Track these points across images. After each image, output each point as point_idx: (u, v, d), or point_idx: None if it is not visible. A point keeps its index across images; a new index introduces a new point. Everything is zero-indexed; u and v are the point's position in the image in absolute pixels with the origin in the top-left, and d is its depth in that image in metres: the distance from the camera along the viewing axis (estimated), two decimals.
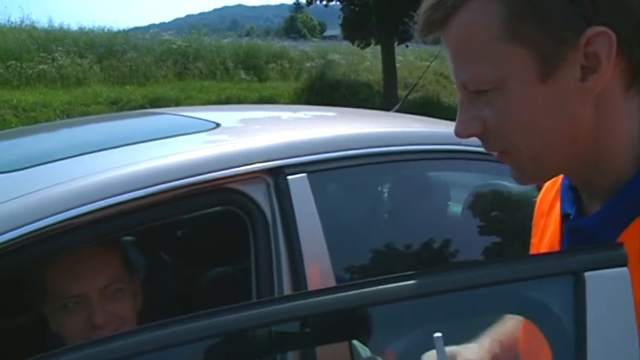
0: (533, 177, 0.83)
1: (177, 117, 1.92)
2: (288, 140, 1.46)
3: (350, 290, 0.60)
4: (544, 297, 0.64)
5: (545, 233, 0.89)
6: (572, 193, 0.84)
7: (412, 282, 0.63)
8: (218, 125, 1.65)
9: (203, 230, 2.25)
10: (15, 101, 12.11)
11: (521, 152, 0.76)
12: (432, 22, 0.76)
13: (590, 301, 0.62)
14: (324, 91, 16.88)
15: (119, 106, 12.83)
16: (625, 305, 0.63)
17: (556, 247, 0.84)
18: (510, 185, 2.37)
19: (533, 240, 0.95)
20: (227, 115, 2.13)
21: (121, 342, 0.61)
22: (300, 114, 2.22)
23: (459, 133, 0.79)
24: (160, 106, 10.54)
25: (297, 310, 0.61)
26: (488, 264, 0.64)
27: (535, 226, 0.95)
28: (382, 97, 16.83)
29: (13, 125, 10.46)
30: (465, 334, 0.79)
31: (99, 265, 1.42)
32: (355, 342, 1.59)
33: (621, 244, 0.65)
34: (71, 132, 2.04)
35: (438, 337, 0.73)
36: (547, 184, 0.94)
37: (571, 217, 0.82)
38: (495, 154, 0.80)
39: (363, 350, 1.64)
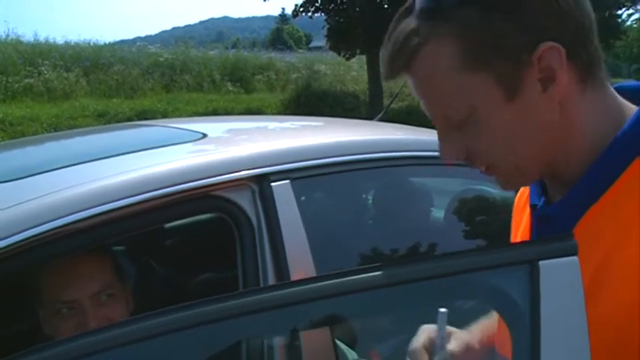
0: (519, 183, 0.91)
1: (166, 128, 1.97)
2: (272, 148, 1.52)
3: (325, 281, 0.67)
4: (503, 284, 0.70)
5: (520, 226, 0.96)
6: (539, 186, 0.91)
7: (381, 272, 0.69)
8: (205, 135, 1.70)
9: (191, 238, 2.29)
10: (1, 115, 12.10)
11: (504, 165, 0.84)
12: (394, 69, 0.83)
13: (544, 287, 0.68)
14: (311, 101, 16.97)
15: (106, 119, 12.84)
16: (575, 290, 0.69)
17: (527, 237, 0.91)
18: (491, 190, 2.44)
19: (512, 235, 1.02)
20: (214, 126, 2.18)
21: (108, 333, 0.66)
22: (285, 124, 2.28)
23: (444, 159, 0.86)
24: (147, 119, 10.54)
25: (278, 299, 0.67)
26: (453, 255, 0.70)
27: (513, 221, 1.02)
28: (368, 106, 16.93)
29: (0, 140, 10.43)
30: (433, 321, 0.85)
31: (91, 272, 1.47)
32: (341, 345, 1.64)
33: (572, 235, 0.71)
34: (61, 144, 2.08)
35: (442, 313, 0.79)
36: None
37: (538, 207, 0.89)
38: (481, 170, 0.87)
39: (350, 354, 1.69)
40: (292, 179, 1.46)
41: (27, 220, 1.18)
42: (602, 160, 0.80)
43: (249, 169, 1.42)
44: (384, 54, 0.84)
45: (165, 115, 13.15)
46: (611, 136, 0.80)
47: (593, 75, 0.81)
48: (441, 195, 2.39)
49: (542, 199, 0.89)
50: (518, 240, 0.97)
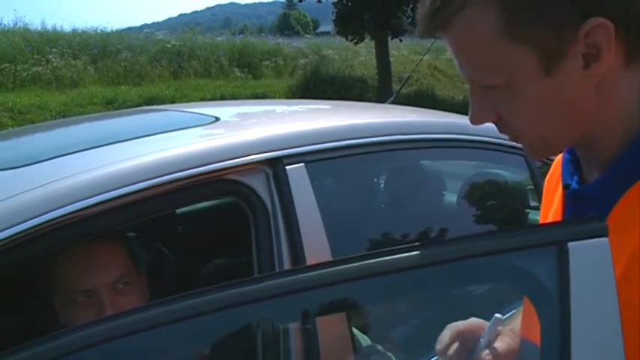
0: (545, 154, 0.89)
1: (177, 112, 1.96)
2: (286, 132, 1.50)
3: (347, 264, 0.65)
4: (531, 267, 0.68)
5: (551, 207, 0.94)
6: (572, 166, 0.88)
7: (404, 255, 0.67)
8: (217, 119, 1.68)
9: (206, 223, 2.28)
10: (10, 104, 12.10)
11: (531, 135, 0.81)
12: (430, 28, 0.79)
13: (573, 269, 0.66)
14: (319, 87, 16.89)
15: (115, 106, 12.83)
16: (605, 272, 0.67)
17: (559, 218, 0.88)
18: (504, 174, 2.41)
19: (542, 216, 0.99)
20: (225, 110, 2.17)
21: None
22: (295, 107, 2.26)
23: (473, 121, 0.83)
24: (155, 105, 10.54)
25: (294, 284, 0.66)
26: (481, 236, 0.69)
27: (543, 202, 1.00)
28: (377, 91, 16.85)
29: (10, 128, 10.46)
30: (461, 302, 0.83)
31: (108, 261, 1.47)
32: (355, 331, 1.63)
33: (602, 216, 0.69)
34: (71, 129, 2.07)
35: (497, 318, 0.78)
36: (554, 163, 0.98)
37: (572, 186, 0.86)
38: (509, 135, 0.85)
39: (363, 339, 1.68)
40: (307, 162, 1.44)
41: (38, 206, 1.17)
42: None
43: (262, 153, 1.40)
44: (421, 10, 0.80)
45: (173, 102, 13.13)
46: None
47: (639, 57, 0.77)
48: (454, 178, 2.37)
49: (576, 178, 0.87)
50: (549, 221, 0.94)
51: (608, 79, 0.76)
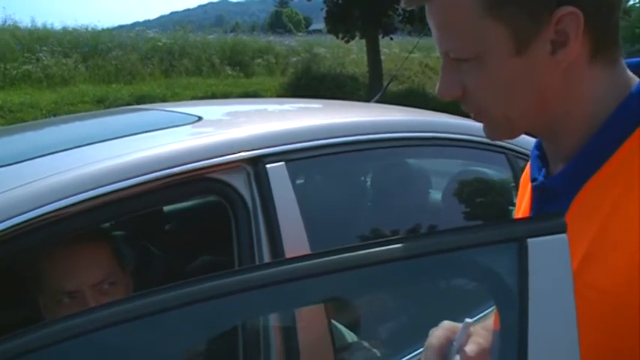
0: (505, 134, 0.90)
1: (162, 112, 1.97)
2: (267, 131, 1.52)
3: (304, 261, 0.67)
4: (491, 262, 0.70)
5: (522, 202, 0.97)
6: (540, 161, 0.91)
7: (366, 251, 0.69)
8: (200, 118, 1.70)
9: (190, 221, 2.29)
10: (0, 102, 12.06)
11: (494, 112, 0.84)
12: None
13: (532, 265, 0.68)
14: (311, 84, 16.91)
15: (106, 105, 12.82)
16: (563, 268, 0.69)
17: (528, 213, 0.91)
18: (488, 171, 2.44)
19: (515, 211, 1.02)
20: (209, 109, 2.18)
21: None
22: (279, 106, 2.28)
23: (441, 94, 0.86)
24: (145, 104, 10.52)
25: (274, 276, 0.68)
26: (440, 233, 0.70)
27: (517, 198, 1.04)
28: (367, 89, 16.89)
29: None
30: (424, 298, 0.85)
31: (92, 261, 1.47)
32: (342, 327, 1.65)
33: (561, 213, 0.71)
34: (58, 128, 2.08)
35: (467, 323, 0.80)
36: (529, 162, 1.01)
37: (538, 179, 0.89)
38: (472, 114, 0.88)
39: (349, 335, 1.70)
40: (287, 161, 1.46)
41: (19, 205, 1.18)
42: (602, 131, 0.80)
43: (243, 151, 1.42)
44: None
45: (164, 100, 13.13)
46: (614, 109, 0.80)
47: (606, 51, 0.80)
48: (438, 176, 2.39)
49: (543, 171, 0.89)
50: (519, 216, 0.97)
51: (574, 68, 0.79)
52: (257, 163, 1.42)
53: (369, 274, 0.70)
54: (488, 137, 0.90)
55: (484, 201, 2.41)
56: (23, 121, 11.11)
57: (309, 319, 1.35)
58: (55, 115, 11.35)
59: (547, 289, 0.69)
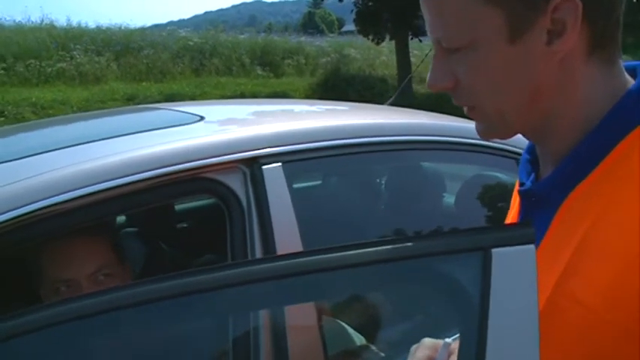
0: (498, 132, 0.86)
1: (167, 111, 1.99)
2: (264, 132, 1.52)
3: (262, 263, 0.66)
4: (454, 271, 0.68)
5: (513, 208, 0.94)
6: (530, 166, 0.88)
7: (331, 255, 0.68)
8: (202, 118, 1.71)
9: (190, 221, 2.30)
10: (34, 99, 12.32)
11: (488, 108, 0.80)
12: None
13: (495, 275, 0.66)
14: (339, 85, 16.90)
15: (135, 102, 12.98)
16: (529, 280, 0.66)
17: (516, 219, 0.88)
18: (502, 176, 2.40)
19: (507, 217, 0.99)
20: (215, 109, 2.20)
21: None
22: (288, 107, 2.28)
23: (431, 85, 0.83)
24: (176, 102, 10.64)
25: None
26: (403, 239, 0.69)
27: (511, 204, 0.99)
28: (396, 91, 16.80)
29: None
30: (387, 306, 0.84)
31: (88, 252, 1.51)
32: (350, 329, 1.64)
33: (530, 222, 0.69)
34: (60, 128, 2.12)
35: (446, 343, 0.78)
36: (519, 166, 0.98)
37: (525, 185, 0.86)
38: (465, 108, 0.84)
39: (358, 338, 1.69)
40: (284, 162, 1.46)
41: (18, 198, 1.21)
42: (592, 135, 0.76)
43: (240, 152, 1.42)
44: None
45: (193, 99, 13.26)
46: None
47: (604, 48, 0.77)
48: (452, 180, 2.36)
49: (532, 176, 0.86)
50: (508, 222, 0.94)
51: (570, 64, 0.76)
52: (253, 164, 1.43)
53: (329, 278, 0.69)
54: (480, 136, 0.85)
55: (496, 205, 2.38)
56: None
57: (301, 326, 1.35)
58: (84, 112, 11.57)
59: (509, 301, 0.66)
